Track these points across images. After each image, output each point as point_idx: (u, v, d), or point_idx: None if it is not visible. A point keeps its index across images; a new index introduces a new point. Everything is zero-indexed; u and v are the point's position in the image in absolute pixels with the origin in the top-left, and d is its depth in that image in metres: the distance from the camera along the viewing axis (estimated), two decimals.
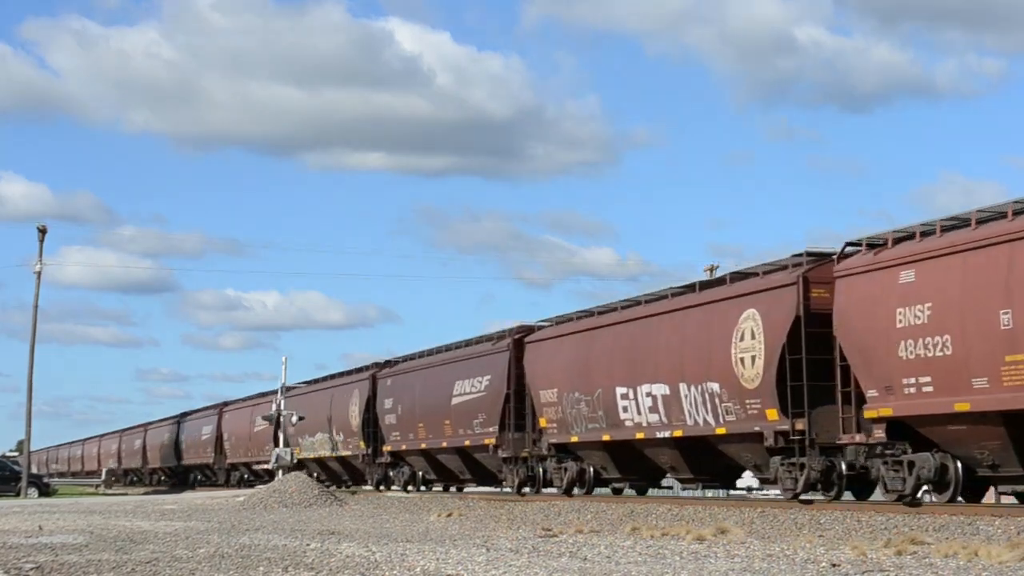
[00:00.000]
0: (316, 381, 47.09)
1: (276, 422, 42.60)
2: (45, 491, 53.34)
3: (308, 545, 15.94)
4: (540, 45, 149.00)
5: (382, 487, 39.30)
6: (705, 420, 22.64)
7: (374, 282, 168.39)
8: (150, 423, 73.10)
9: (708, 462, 24.20)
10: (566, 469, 28.09)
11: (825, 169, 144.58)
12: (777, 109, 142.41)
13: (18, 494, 49.74)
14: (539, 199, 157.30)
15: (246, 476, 54.42)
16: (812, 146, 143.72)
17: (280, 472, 38.80)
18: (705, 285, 24.03)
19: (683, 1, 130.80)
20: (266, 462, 49.08)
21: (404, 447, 36.39)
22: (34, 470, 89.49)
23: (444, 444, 33.42)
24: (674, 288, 24.77)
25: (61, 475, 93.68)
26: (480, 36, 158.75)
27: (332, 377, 44.89)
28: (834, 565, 12.28)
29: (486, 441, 30.74)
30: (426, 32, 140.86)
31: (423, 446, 34.82)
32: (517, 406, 29.70)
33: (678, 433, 23.41)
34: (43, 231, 52.87)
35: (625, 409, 24.99)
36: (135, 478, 75.56)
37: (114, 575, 12.53)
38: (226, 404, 58.13)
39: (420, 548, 15.03)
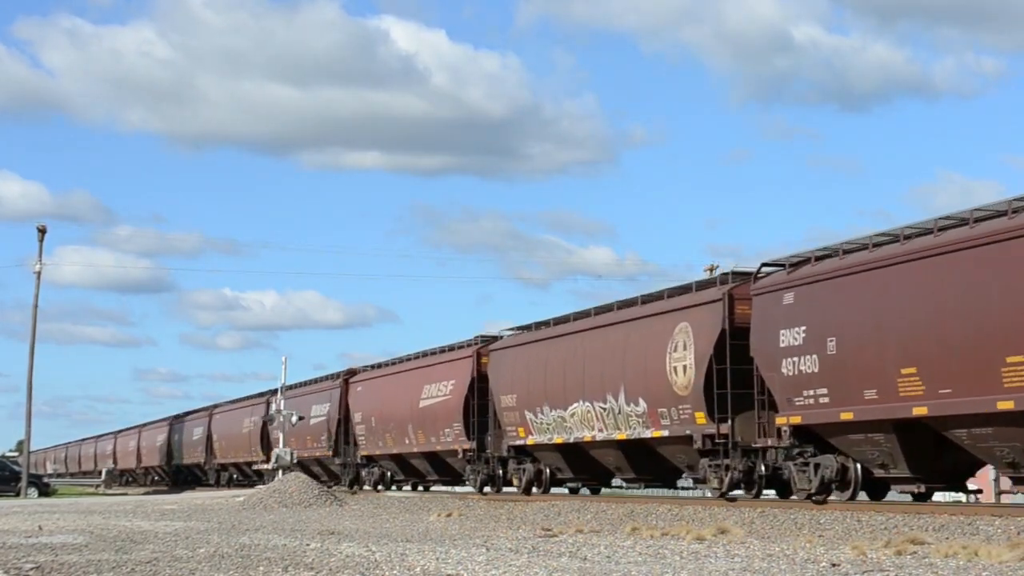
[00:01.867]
0: (554, 323, 29.20)
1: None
2: (45, 491, 53.37)
3: (308, 545, 15.93)
4: (537, 44, 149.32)
5: (738, 491, 22.54)
6: None
7: (372, 282, 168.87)
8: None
9: None
10: None
11: (824, 168, 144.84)
12: (775, 108, 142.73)
13: (18, 494, 49.72)
14: (537, 198, 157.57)
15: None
16: (811, 145, 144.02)
17: (280, 472, 38.78)
18: None
19: None
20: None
21: (848, 415, 19.07)
22: (45, 469, 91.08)
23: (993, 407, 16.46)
24: None
25: (61, 475, 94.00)
26: (476, 34, 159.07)
27: (599, 313, 26.97)
28: (834, 565, 12.27)
29: None
30: (421, 30, 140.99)
31: (921, 412, 17.64)
32: None
33: None
34: (42, 231, 52.80)
35: None
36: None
37: (114, 575, 12.53)
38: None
39: (420, 548, 15.03)
